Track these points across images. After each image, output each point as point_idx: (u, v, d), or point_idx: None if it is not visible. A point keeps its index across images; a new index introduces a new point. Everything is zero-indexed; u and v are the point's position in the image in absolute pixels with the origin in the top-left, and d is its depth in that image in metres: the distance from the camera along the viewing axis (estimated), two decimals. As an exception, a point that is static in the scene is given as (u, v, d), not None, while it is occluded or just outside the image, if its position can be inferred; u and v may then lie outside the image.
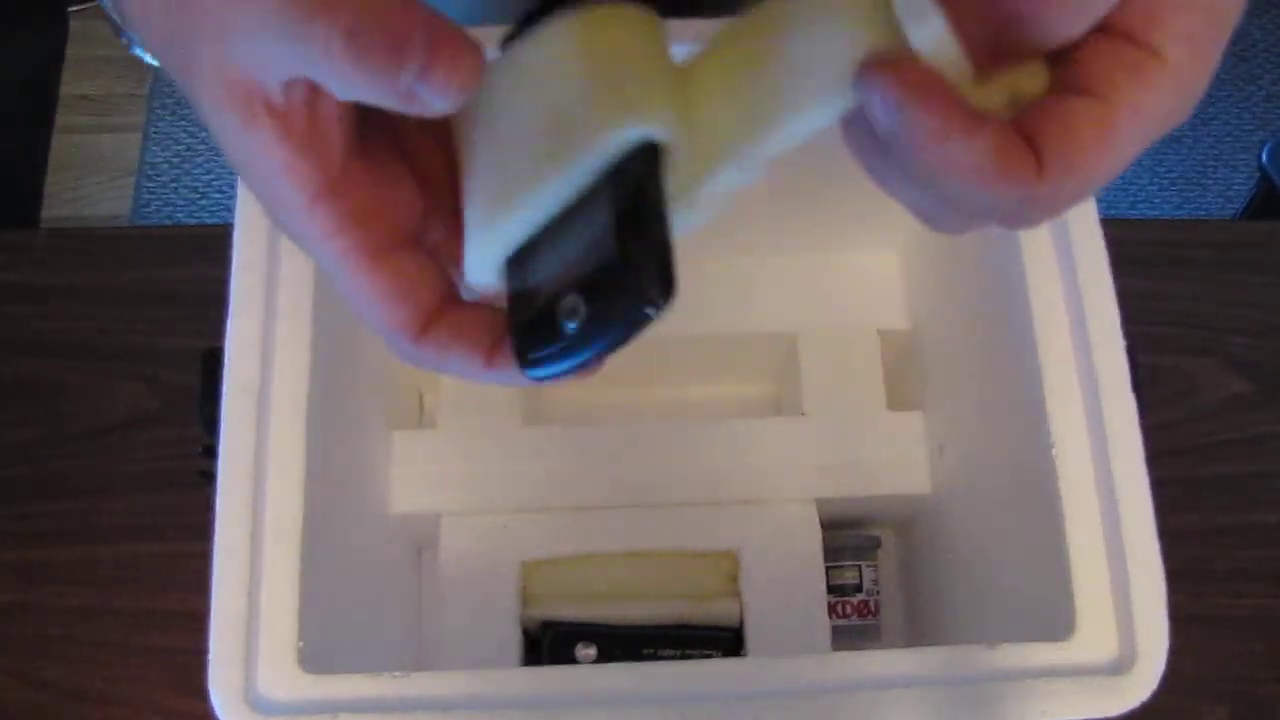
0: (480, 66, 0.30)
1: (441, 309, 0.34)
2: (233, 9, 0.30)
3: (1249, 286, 0.72)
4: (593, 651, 0.58)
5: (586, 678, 0.43)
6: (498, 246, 0.32)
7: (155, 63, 0.36)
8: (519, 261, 0.32)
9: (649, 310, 0.29)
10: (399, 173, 0.35)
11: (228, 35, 0.30)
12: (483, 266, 0.33)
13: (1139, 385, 0.46)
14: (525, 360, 0.31)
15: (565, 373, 0.31)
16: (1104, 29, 0.29)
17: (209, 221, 1.59)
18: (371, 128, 0.34)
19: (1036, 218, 0.29)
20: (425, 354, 0.34)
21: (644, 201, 0.30)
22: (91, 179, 1.61)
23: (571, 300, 0.30)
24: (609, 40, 0.31)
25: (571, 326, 0.30)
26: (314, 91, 0.31)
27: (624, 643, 0.58)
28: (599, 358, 0.30)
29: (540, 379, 0.31)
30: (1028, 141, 0.28)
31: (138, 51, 0.36)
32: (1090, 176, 0.28)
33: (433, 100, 0.30)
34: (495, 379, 0.33)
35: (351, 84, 0.30)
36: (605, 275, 0.29)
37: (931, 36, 0.28)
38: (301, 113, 0.31)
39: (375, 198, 0.33)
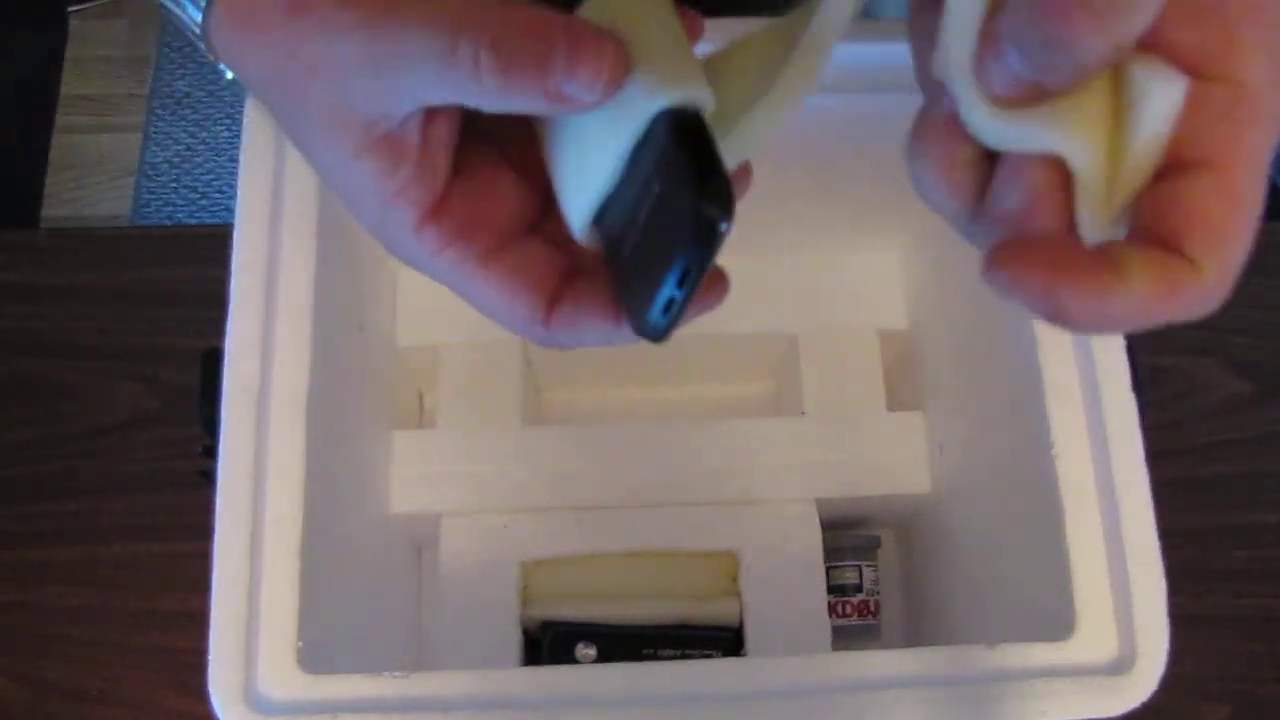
0: (624, 57, 0.31)
1: (561, 288, 0.35)
2: (363, 52, 0.31)
3: (1249, 286, 0.71)
4: (593, 651, 0.58)
5: (586, 678, 0.43)
6: (582, 208, 0.34)
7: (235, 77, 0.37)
8: (611, 222, 0.34)
9: (721, 225, 0.30)
10: (499, 176, 0.36)
11: (348, 77, 0.32)
12: (579, 226, 0.35)
13: (1139, 385, 0.46)
14: (641, 322, 0.33)
15: (674, 310, 0.32)
16: (1176, 61, 0.27)
17: (209, 221, 1.59)
18: (470, 140, 0.35)
19: (1198, 315, 0.28)
20: (559, 336, 0.35)
21: (698, 146, 0.31)
22: (91, 179, 1.61)
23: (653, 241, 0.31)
24: (635, 15, 0.33)
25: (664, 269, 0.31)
26: (429, 119, 0.33)
27: (624, 643, 0.58)
28: (692, 281, 0.31)
29: (660, 328, 0.32)
30: (1172, 243, 0.27)
31: (222, 68, 0.37)
32: (1240, 251, 0.27)
33: (582, 95, 0.31)
34: (629, 338, 0.34)
35: (500, 96, 0.31)
36: (679, 207, 0.31)
37: (1173, 103, 0.26)
38: (414, 141, 0.33)
39: (477, 208, 0.35)
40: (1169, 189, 0.27)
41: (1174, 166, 0.27)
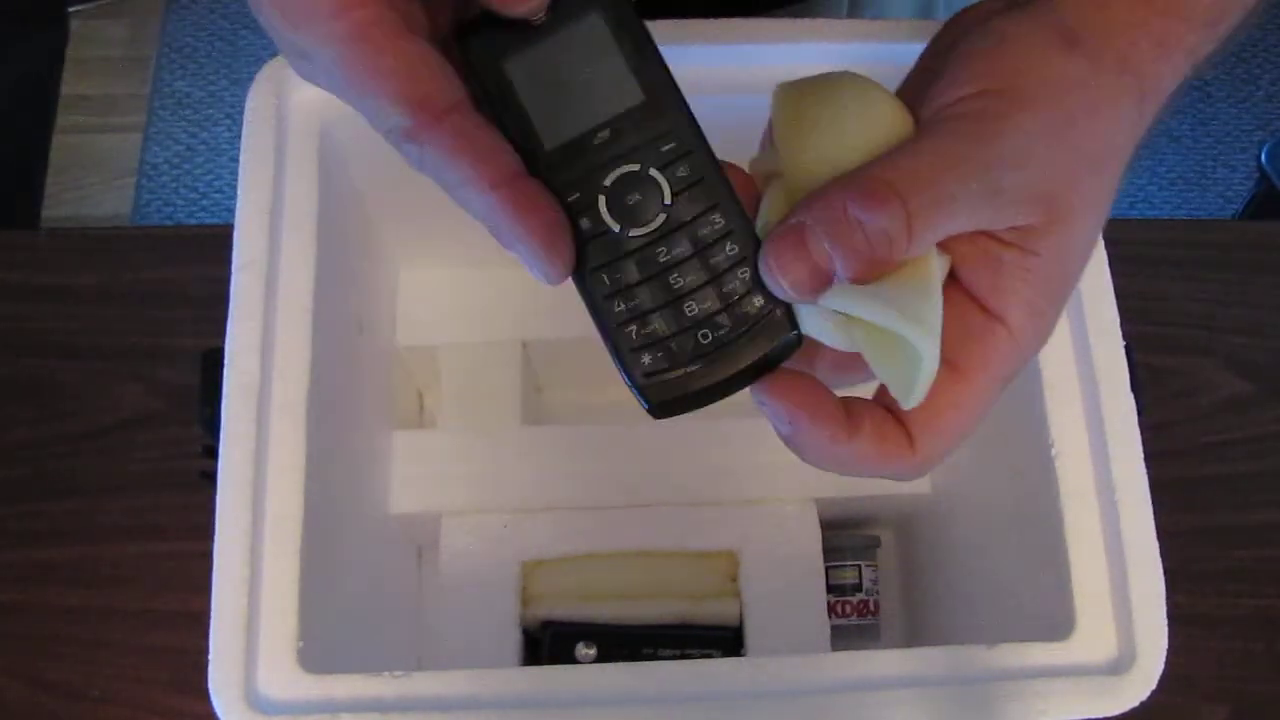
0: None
1: (457, 109, 0.31)
2: None
3: (1249, 286, 0.72)
4: (593, 651, 0.58)
5: (586, 678, 0.43)
6: None
7: None
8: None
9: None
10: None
11: None
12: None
13: (1138, 385, 0.46)
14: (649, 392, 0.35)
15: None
16: (957, 285, 0.32)
17: (209, 221, 1.59)
18: None
19: (911, 479, 0.34)
20: (432, 147, 0.31)
21: None
22: (91, 179, 1.61)
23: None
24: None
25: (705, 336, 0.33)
26: None
27: (624, 643, 0.58)
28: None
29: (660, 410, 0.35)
30: (902, 418, 0.33)
31: None
32: (952, 444, 0.33)
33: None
34: (483, 211, 0.31)
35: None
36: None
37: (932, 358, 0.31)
38: None
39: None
40: None
41: None
